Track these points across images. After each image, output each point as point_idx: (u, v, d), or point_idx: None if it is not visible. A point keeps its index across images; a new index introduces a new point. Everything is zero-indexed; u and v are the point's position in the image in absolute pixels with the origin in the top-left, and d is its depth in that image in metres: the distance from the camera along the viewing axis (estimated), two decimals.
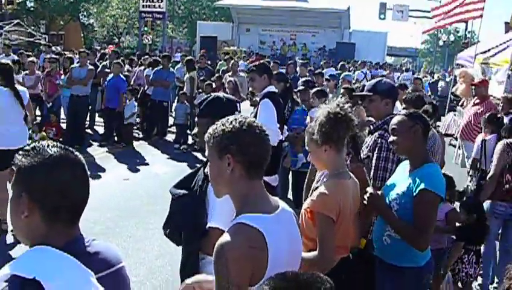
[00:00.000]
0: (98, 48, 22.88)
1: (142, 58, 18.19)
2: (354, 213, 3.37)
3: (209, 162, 2.40)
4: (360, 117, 5.45)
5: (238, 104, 3.56)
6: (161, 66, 14.01)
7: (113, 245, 2.00)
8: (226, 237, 2.15)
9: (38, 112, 14.06)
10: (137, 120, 14.28)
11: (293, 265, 2.25)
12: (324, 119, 3.29)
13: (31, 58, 15.60)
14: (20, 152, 1.82)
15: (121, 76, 13.23)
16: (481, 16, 13.76)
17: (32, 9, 46.64)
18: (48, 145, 1.81)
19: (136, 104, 13.80)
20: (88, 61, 13.61)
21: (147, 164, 11.50)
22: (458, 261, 5.45)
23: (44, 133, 12.32)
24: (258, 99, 6.68)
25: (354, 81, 15.69)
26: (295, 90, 8.43)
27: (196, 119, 3.51)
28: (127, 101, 13.20)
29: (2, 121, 6.80)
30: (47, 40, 30.33)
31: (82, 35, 49.61)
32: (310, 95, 7.59)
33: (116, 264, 1.93)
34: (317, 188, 3.38)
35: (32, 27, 37.75)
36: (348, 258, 3.35)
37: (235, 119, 2.31)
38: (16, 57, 16.27)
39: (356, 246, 3.57)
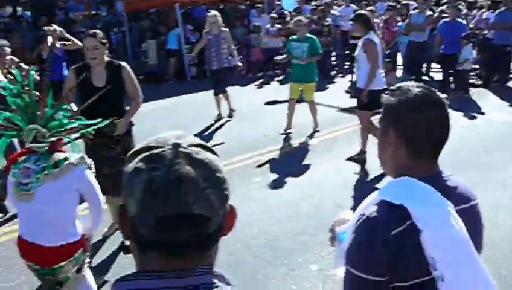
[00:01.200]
0: None
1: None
2: None
3: None
4: None
5: None
6: (504, 8, 13.07)
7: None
8: None
9: None
10: (472, 66, 13.69)
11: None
12: None
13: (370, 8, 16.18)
14: (387, 92, 1.98)
15: (459, 20, 12.81)
16: None
17: None
18: (413, 85, 1.94)
19: (473, 50, 13.24)
20: (424, 8, 13.49)
21: (484, 113, 11.03)
22: None
23: None
24: None
25: None
26: None
27: None
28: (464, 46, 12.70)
29: (379, 65, 7.64)
30: None
31: None
32: None
33: (471, 200, 1.98)
34: None
35: None
36: None
37: None
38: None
39: None
